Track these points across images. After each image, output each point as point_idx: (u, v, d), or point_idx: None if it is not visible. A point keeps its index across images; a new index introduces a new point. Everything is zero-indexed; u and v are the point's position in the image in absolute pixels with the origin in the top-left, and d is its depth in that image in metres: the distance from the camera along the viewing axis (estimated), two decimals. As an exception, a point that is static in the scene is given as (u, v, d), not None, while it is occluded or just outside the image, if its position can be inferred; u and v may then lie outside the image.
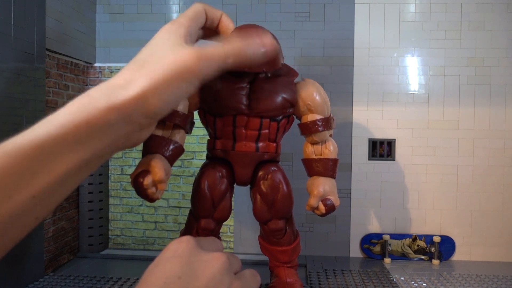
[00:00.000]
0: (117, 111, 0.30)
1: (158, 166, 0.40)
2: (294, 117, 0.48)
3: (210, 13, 0.39)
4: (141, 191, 0.40)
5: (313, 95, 0.46)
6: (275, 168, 0.46)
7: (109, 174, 0.72)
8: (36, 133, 0.28)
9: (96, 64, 0.71)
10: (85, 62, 0.70)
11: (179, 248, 0.29)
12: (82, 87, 0.70)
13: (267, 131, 0.45)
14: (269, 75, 0.45)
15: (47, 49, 0.57)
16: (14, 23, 0.49)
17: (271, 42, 0.35)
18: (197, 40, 0.38)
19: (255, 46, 0.34)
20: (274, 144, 0.46)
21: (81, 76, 0.69)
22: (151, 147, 0.42)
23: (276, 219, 0.46)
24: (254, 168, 0.46)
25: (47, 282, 0.55)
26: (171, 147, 0.43)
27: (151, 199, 0.41)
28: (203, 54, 0.32)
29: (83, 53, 0.68)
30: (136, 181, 0.40)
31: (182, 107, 0.44)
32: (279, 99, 0.44)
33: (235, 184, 0.48)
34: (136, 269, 0.61)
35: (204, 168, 0.46)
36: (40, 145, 0.27)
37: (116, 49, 0.71)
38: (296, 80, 0.47)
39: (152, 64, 0.32)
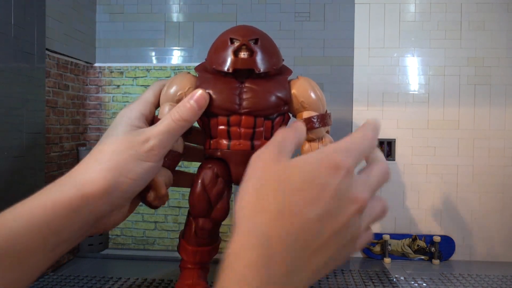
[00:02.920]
0: (84, 197, 0.32)
1: (160, 182, 0.43)
2: (290, 115, 0.48)
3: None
4: (146, 204, 0.44)
5: (307, 92, 0.46)
6: None
7: (109, 174, 0.72)
8: (6, 216, 0.29)
9: (96, 64, 0.71)
10: (85, 62, 0.70)
11: (344, 179, 0.27)
12: (82, 87, 0.70)
13: (261, 129, 0.45)
14: (262, 74, 0.45)
15: (47, 49, 0.57)
16: (14, 23, 0.49)
17: (199, 94, 0.40)
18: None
19: (187, 106, 0.40)
20: None
21: (81, 76, 0.69)
22: None
23: None
24: None
25: (47, 282, 0.55)
26: (170, 156, 0.45)
27: (155, 208, 0.44)
28: (149, 135, 0.37)
29: (83, 53, 0.68)
30: (141, 197, 0.43)
31: None
32: (272, 97, 0.44)
33: (233, 184, 0.48)
34: (136, 269, 0.61)
35: (200, 168, 0.47)
36: (7, 227, 0.28)
37: (116, 49, 0.71)
38: (290, 78, 0.47)
39: (110, 147, 0.35)
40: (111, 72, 0.71)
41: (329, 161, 0.27)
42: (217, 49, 0.45)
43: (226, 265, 0.25)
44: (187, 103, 0.40)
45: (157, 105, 0.44)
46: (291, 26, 0.69)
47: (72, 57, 0.65)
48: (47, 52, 0.58)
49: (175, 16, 0.70)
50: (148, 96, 0.43)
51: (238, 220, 0.27)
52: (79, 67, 0.69)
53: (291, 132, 0.32)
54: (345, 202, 0.27)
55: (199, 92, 0.41)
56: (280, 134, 0.32)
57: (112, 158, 0.34)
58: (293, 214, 0.25)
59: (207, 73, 0.45)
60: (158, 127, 0.38)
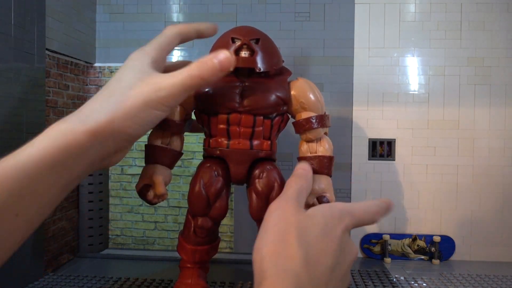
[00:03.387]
0: (93, 135, 0.33)
1: (159, 180, 0.44)
2: (289, 116, 0.48)
3: (185, 31, 0.42)
4: (146, 202, 0.45)
5: (306, 93, 0.46)
6: (270, 167, 0.46)
7: (109, 174, 0.72)
8: (18, 157, 0.30)
9: (96, 64, 0.71)
10: (85, 62, 0.70)
11: (338, 230, 0.32)
12: (82, 87, 0.70)
13: (261, 128, 0.45)
14: (262, 74, 0.45)
15: (47, 49, 0.57)
16: (14, 23, 0.49)
17: (224, 54, 0.37)
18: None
19: (208, 64, 0.37)
20: (269, 142, 0.46)
21: (81, 76, 0.69)
22: (151, 157, 0.46)
23: None
24: (249, 166, 0.46)
25: (47, 282, 0.55)
26: (170, 155, 0.46)
27: (155, 204, 0.45)
28: (162, 85, 0.36)
29: (83, 53, 0.68)
30: (141, 195, 0.45)
31: (177, 115, 0.46)
32: (271, 96, 0.44)
33: (232, 183, 0.48)
34: (136, 269, 0.61)
35: (200, 166, 0.47)
36: (22, 168, 0.29)
37: (116, 49, 0.71)
38: (290, 79, 0.47)
39: (120, 90, 0.35)
40: (111, 72, 0.71)
41: (337, 217, 0.32)
42: (219, 48, 0.45)
43: None
44: (209, 61, 0.36)
45: (169, 51, 0.41)
46: (291, 26, 0.69)
47: (72, 57, 0.65)
48: (47, 52, 0.58)
49: (175, 16, 0.70)
50: (162, 41, 0.40)
51: (266, 265, 0.29)
52: (79, 67, 0.69)
53: (304, 182, 0.37)
54: (346, 253, 0.32)
55: (226, 53, 0.37)
56: (296, 186, 0.36)
57: (122, 102, 0.34)
58: (316, 262, 0.29)
59: None
60: (173, 79, 0.36)
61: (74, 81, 0.67)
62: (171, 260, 0.65)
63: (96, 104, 0.34)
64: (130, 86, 0.35)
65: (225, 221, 0.70)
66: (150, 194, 0.44)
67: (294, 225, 0.31)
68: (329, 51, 0.68)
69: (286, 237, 0.30)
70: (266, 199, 0.46)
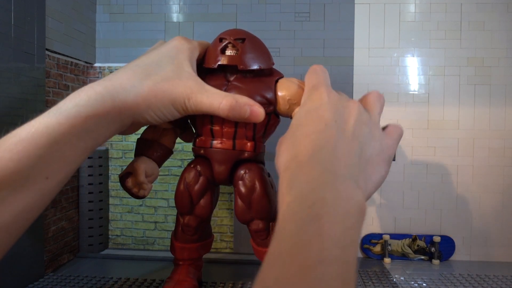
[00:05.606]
0: (118, 111, 0.35)
1: (140, 169, 0.44)
2: (278, 118, 0.48)
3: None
4: (126, 191, 0.45)
5: (290, 90, 0.45)
6: (252, 167, 0.46)
7: (109, 174, 0.72)
8: (47, 123, 0.31)
9: (96, 64, 0.71)
10: (85, 62, 0.70)
11: (329, 97, 0.34)
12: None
13: (244, 128, 0.45)
14: (249, 75, 0.46)
15: (47, 49, 0.57)
16: (14, 23, 0.49)
17: (258, 110, 0.40)
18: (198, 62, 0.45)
19: (244, 109, 0.40)
20: (253, 143, 0.46)
21: (81, 76, 0.69)
22: (138, 149, 0.47)
23: (257, 220, 0.47)
24: (231, 166, 0.46)
25: (47, 282, 0.55)
26: (157, 149, 0.47)
27: (137, 197, 0.45)
28: (193, 96, 0.38)
29: (83, 53, 0.68)
30: (121, 182, 0.45)
31: None
32: (255, 94, 0.44)
33: (216, 184, 0.49)
34: (136, 269, 0.61)
35: (186, 166, 0.48)
36: (52, 134, 0.31)
37: (116, 49, 0.71)
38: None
39: (156, 78, 0.37)
40: (111, 72, 0.71)
41: (312, 94, 0.34)
42: (209, 50, 0.46)
43: None
44: (246, 107, 0.39)
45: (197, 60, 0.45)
46: (291, 26, 0.69)
47: (72, 57, 0.65)
48: (47, 52, 0.58)
49: (175, 16, 0.70)
50: (197, 52, 0.44)
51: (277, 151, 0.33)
52: (79, 67, 0.69)
53: None
54: (342, 107, 0.33)
55: (260, 110, 0.40)
56: None
57: (152, 91, 0.36)
58: (303, 137, 0.31)
59: (202, 74, 0.46)
60: (204, 99, 0.38)
61: (74, 81, 0.67)
62: (171, 260, 0.65)
63: (128, 83, 0.36)
64: (167, 79, 0.37)
65: (225, 221, 0.70)
66: (129, 181, 0.44)
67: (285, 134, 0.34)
68: (329, 51, 0.68)
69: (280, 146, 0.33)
70: (248, 200, 0.45)
